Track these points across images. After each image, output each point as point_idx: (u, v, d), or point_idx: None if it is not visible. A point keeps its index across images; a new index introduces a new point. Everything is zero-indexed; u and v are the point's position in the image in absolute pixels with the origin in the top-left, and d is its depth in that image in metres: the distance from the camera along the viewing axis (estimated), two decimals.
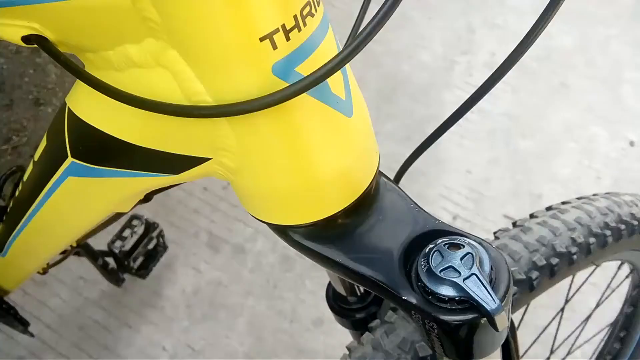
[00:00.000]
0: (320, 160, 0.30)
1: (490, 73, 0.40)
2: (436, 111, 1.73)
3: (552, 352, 0.82)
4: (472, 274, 0.29)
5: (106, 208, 0.41)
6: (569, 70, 1.80)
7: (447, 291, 0.29)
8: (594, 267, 0.65)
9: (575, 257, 0.55)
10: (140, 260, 1.29)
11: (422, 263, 0.31)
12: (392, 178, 0.46)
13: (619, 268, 0.81)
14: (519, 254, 0.54)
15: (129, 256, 1.23)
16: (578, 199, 0.64)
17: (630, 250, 0.68)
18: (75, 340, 1.34)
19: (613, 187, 1.56)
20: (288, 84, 0.27)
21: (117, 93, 0.28)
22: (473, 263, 0.29)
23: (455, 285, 0.29)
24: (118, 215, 0.50)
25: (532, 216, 0.60)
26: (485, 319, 0.28)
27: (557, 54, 1.84)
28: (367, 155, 0.33)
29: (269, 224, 0.34)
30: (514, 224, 0.59)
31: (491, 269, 0.30)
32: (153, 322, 1.37)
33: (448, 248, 0.30)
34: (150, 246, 1.30)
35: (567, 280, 0.73)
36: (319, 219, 0.33)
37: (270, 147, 0.29)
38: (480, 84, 0.38)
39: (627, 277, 0.85)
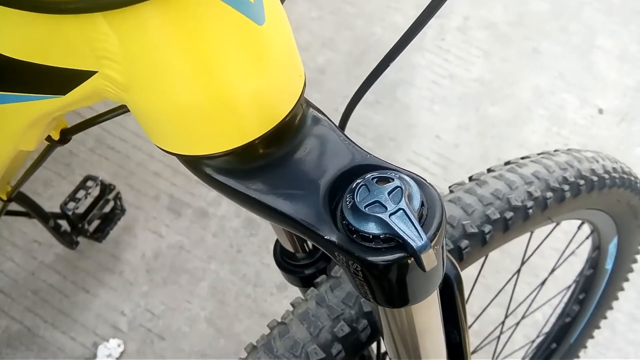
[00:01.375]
0: (223, 71, 0.26)
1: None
2: (407, 75, 1.69)
3: (506, 316, 0.81)
4: (399, 209, 0.26)
5: (6, 145, 0.37)
6: (542, 36, 1.78)
7: (371, 228, 0.26)
8: (552, 225, 0.64)
9: (531, 211, 0.53)
10: (96, 223, 1.25)
11: (347, 199, 0.27)
12: (340, 126, 0.43)
13: (578, 228, 0.79)
14: (472, 207, 0.51)
15: (84, 219, 1.18)
16: (539, 154, 0.62)
17: (589, 209, 0.67)
18: (29, 305, 1.30)
19: None
20: None
21: None
22: (401, 197, 0.26)
23: (380, 222, 0.26)
24: (41, 159, 0.45)
25: (489, 170, 0.58)
26: (412, 258, 0.25)
27: (531, 19, 1.82)
28: (286, 75, 0.29)
29: (177, 156, 0.30)
30: (470, 178, 0.57)
31: (422, 205, 0.27)
32: (111, 286, 1.33)
33: (376, 182, 0.27)
34: (107, 209, 1.25)
35: (527, 242, 0.71)
36: (232, 147, 0.29)
37: (160, 53, 0.25)
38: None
39: (587, 238, 0.84)
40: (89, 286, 1.33)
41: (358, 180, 0.28)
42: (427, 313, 0.32)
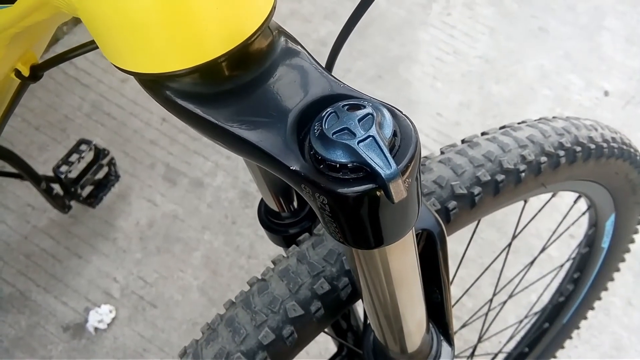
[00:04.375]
0: None
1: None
2: (411, 50, 1.66)
3: (494, 293, 0.79)
4: (369, 136, 0.24)
5: None
6: (549, 14, 1.74)
7: (338, 156, 0.24)
8: (548, 196, 0.62)
9: (523, 175, 0.51)
10: (89, 188, 1.24)
11: (315, 127, 0.26)
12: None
13: (575, 202, 0.78)
14: (462, 167, 0.49)
15: (77, 183, 1.17)
16: (536, 120, 0.60)
17: (586, 181, 0.65)
18: (21, 268, 1.29)
19: None
20: None
21: None
22: (372, 125, 0.24)
23: (348, 149, 0.24)
24: (14, 98, 0.43)
25: (483, 134, 0.56)
26: (381, 191, 0.24)
27: None
28: None
29: (134, 75, 0.29)
30: (463, 141, 0.55)
31: (394, 134, 0.25)
32: (104, 253, 1.33)
33: (347, 110, 0.26)
34: (100, 174, 1.24)
35: (520, 213, 0.70)
36: (192, 64, 0.27)
37: None
38: None
39: (583, 214, 0.82)
40: (82, 252, 1.32)
41: (329, 109, 0.26)
42: (402, 257, 0.30)
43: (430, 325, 0.43)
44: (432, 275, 0.41)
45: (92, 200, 1.23)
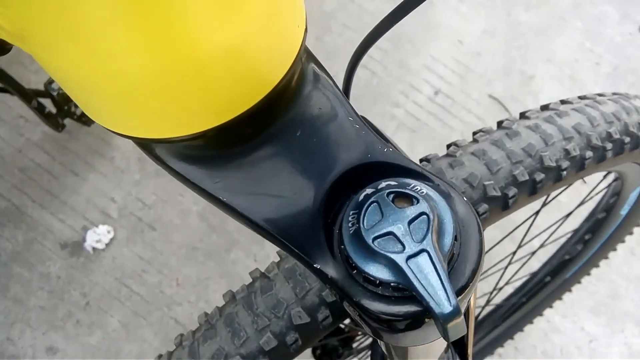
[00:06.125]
0: (179, 21, 0.16)
1: None
2: None
3: (520, 245, 0.76)
4: (423, 250, 0.18)
5: None
6: None
7: (378, 271, 0.18)
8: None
9: (564, 173, 0.46)
10: None
11: (350, 218, 0.20)
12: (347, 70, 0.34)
13: (604, 177, 0.72)
14: (498, 164, 0.43)
15: (70, 100, 1.10)
16: (581, 98, 0.53)
17: (624, 163, 0.59)
18: (16, 182, 1.26)
19: (611, 75, 1.44)
20: None
21: None
22: (427, 232, 0.18)
23: (392, 265, 0.18)
24: None
25: (523, 116, 0.49)
26: (430, 318, 0.18)
27: None
28: (278, 26, 0.19)
29: (123, 136, 0.22)
30: (500, 124, 0.48)
31: (455, 239, 0.19)
32: (101, 171, 1.28)
33: (394, 200, 0.19)
34: None
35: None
36: (195, 131, 0.20)
37: None
38: None
39: (609, 185, 0.77)
40: (78, 169, 1.28)
41: (367, 192, 0.19)
42: (429, 347, 0.25)
43: (449, 348, 0.40)
44: None
45: (88, 118, 1.17)
